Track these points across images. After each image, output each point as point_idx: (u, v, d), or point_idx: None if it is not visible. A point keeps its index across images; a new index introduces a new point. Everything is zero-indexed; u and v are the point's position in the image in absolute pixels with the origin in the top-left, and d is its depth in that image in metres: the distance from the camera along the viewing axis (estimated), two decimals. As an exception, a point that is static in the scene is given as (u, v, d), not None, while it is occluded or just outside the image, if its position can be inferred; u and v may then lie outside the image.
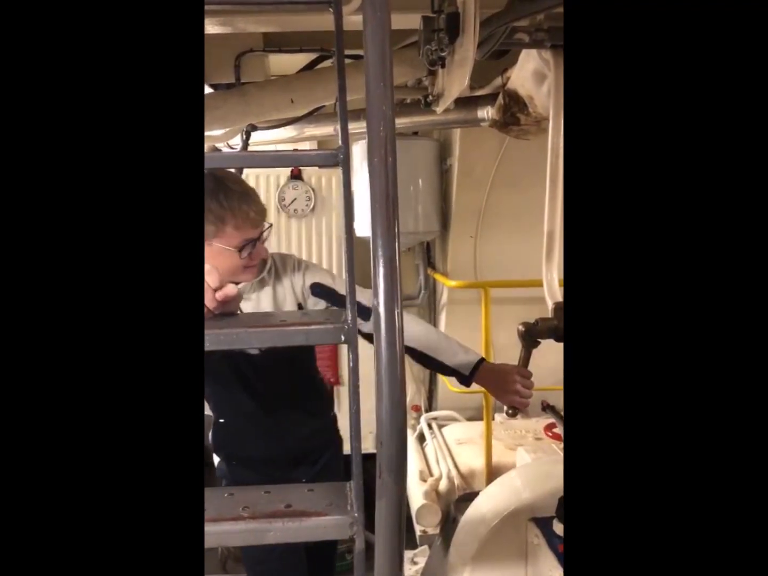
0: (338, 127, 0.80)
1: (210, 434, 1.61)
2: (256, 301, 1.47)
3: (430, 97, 1.61)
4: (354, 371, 0.79)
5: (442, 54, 1.29)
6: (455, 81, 1.41)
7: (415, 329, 1.48)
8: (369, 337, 1.56)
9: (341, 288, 1.48)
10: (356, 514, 0.76)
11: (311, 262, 1.61)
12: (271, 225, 1.43)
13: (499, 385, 1.43)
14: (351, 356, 0.79)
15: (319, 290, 1.50)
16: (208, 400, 1.57)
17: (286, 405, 1.51)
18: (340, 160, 0.78)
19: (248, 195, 1.35)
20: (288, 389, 1.53)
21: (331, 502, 0.80)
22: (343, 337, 0.78)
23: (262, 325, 0.79)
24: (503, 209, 2.82)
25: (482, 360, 1.48)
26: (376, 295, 0.63)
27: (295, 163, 0.82)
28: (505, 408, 1.47)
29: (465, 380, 1.47)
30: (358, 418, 0.79)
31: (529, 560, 1.35)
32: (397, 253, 0.63)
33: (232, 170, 1.43)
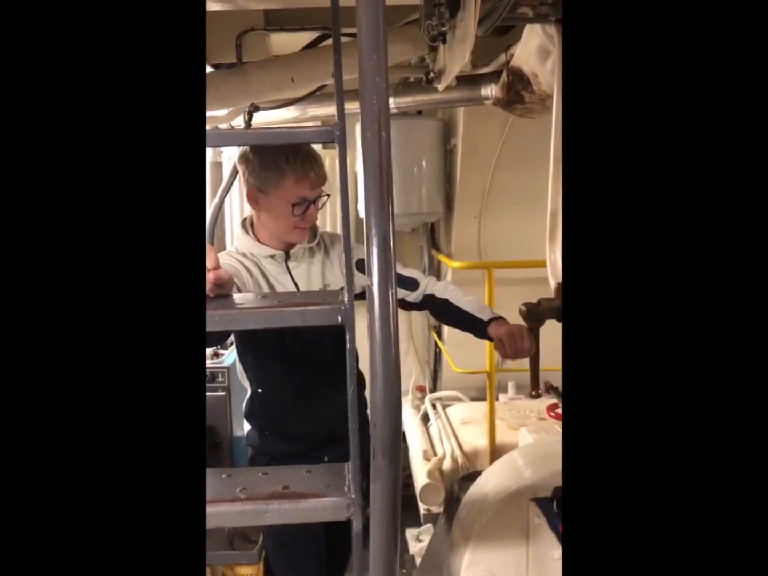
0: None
1: (245, 403, 1.62)
2: (306, 271, 1.53)
3: (432, 74, 1.58)
4: (351, 353, 0.79)
5: (443, 29, 1.27)
6: (457, 57, 1.38)
7: (436, 282, 1.62)
8: (415, 306, 1.63)
9: None
10: (353, 496, 0.76)
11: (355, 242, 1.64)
12: (329, 195, 1.48)
13: (510, 337, 1.45)
14: (348, 337, 0.78)
15: (361, 266, 1.53)
16: (249, 369, 1.59)
17: (325, 383, 1.51)
18: (336, 136, 0.76)
19: (313, 157, 1.43)
20: (329, 368, 1.53)
21: (328, 484, 0.80)
22: (339, 318, 0.77)
23: (257, 306, 0.78)
24: (508, 189, 2.79)
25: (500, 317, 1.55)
26: (369, 274, 0.62)
27: (290, 140, 0.81)
28: (529, 390, 1.49)
29: (483, 326, 1.52)
30: (355, 399, 0.79)
31: (530, 539, 1.35)
32: (391, 230, 0.61)
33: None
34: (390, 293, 0.62)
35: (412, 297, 1.62)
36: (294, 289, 1.50)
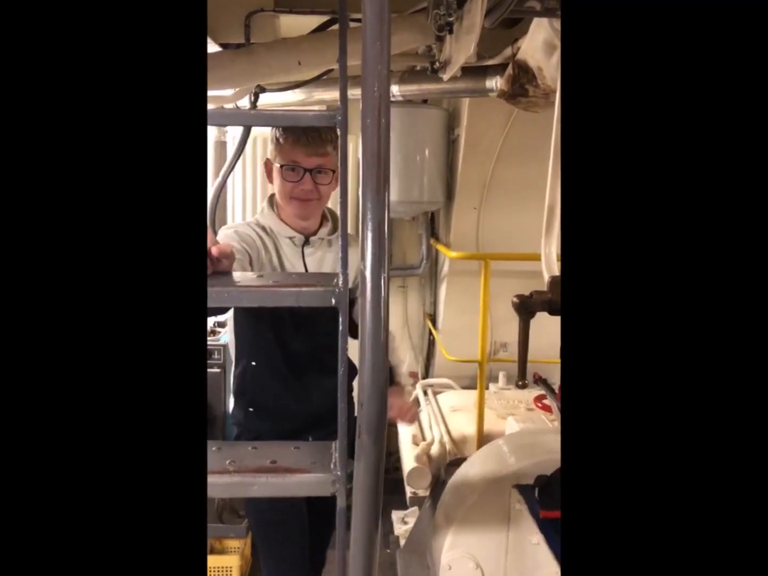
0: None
1: (234, 376, 1.63)
2: (320, 259, 1.55)
3: (437, 64, 1.59)
4: (343, 335, 0.81)
5: (450, 19, 1.28)
6: (462, 48, 1.39)
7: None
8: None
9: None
10: (339, 473, 0.79)
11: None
12: (334, 171, 1.49)
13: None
14: (341, 319, 0.80)
15: None
16: (240, 338, 1.60)
17: (318, 363, 1.54)
18: (338, 121, 0.78)
19: (317, 131, 1.44)
20: (324, 347, 1.55)
21: (315, 461, 0.82)
22: (333, 300, 0.79)
23: (253, 285, 0.80)
24: (508, 182, 2.80)
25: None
26: (363, 258, 0.64)
27: (292, 122, 0.83)
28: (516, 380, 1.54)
29: None
30: (344, 379, 0.81)
31: (510, 525, 1.39)
32: (386, 217, 0.63)
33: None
34: (382, 278, 0.64)
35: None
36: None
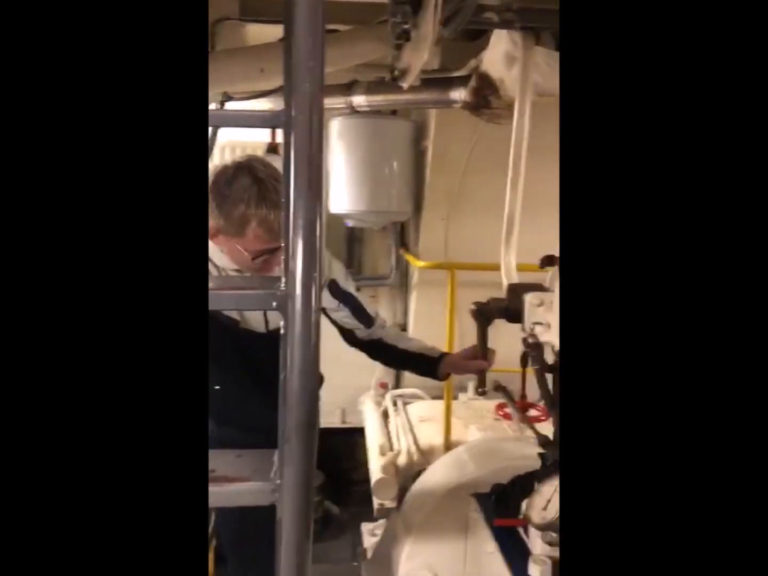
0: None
1: None
2: None
3: (396, 72, 1.60)
4: (284, 339, 0.79)
5: (406, 26, 1.28)
6: (419, 55, 1.40)
7: (388, 329, 1.67)
8: (361, 344, 1.64)
9: (350, 287, 1.62)
10: (279, 481, 0.77)
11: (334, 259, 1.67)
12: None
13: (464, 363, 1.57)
14: (283, 323, 0.79)
15: (336, 291, 1.59)
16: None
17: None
18: (281, 122, 0.76)
19: (278, 206, 1.29)
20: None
21: (255, 469, 0.80)
22: (274, 304, 0.77)
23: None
24: (476, 193, 2.82)
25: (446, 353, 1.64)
26: (293, 259, 0.63)
27: (235, 123, 0.81)
28: (476, 387, 1.58)
29: (432, 364, 1.61)
30: (285, 385, 0.79)
31: (469, 534, 1.37)
32: (318, 218, 0.62)
33: (276, 171, 1.37)
34: (314, 279, 0.63)
35: (363, 333, 1.65)
36: (262, 319, 1.46)
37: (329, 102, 2.53)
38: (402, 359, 1.68)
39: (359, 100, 2.42)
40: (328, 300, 1.59)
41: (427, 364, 1.64)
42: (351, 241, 3.46)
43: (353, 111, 2.52)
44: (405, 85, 1.61)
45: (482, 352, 1.49)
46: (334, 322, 1.65)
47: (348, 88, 2.41)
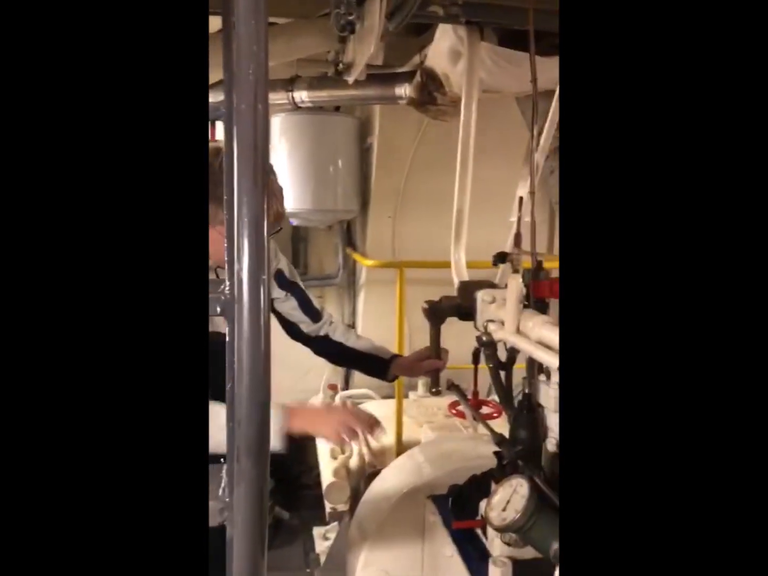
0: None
1: None
2: None
3: (341, 66, 1.56)
4: (230, 346, 0.74)
5: (350, 18, 1.24)
6: (364, 49, 1.37)
7: (337, 326, 1.63)
8: (307, 340, 1.59)
9: (296, 278, 1.59)
10: (227, 500, 0.72)
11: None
12: (281, 228, 1.40)
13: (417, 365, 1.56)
14: (228, 329, 0.74)
15: (283, 281, 1.55)
16: None
17: None
18: (221, 114, 0.72)
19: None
20: None
21: (203, 485, 0.75)
22: (218, 309, 0.72)
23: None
24: (422, 191, 2.81)
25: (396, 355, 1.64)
26: (239, 259, 0.58)
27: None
28: (429, 387, 1.55)
29: (383, 365, 1.58)
30: (232, 395, 0.74)
31: (426, 538, 1.35)
32: (264, 213, 0.58)
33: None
34: (262, 280, 0.58)
35: (310, 328, 1.61)
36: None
37: (271, 97, 2.46)
38: (350, 358, 1.65)
39: (302, 96, 2.36)
40: (275, 291, 1.54)
41: (377, 365, 1.61)
42: (296, 241, 3.39)
43: (296, 107, 2.46)
44: (351, 79, 1.57)
45: (436, 351, 1.47)
46: (278, 315, 1.59)
47: (290, 84, 2.35)
